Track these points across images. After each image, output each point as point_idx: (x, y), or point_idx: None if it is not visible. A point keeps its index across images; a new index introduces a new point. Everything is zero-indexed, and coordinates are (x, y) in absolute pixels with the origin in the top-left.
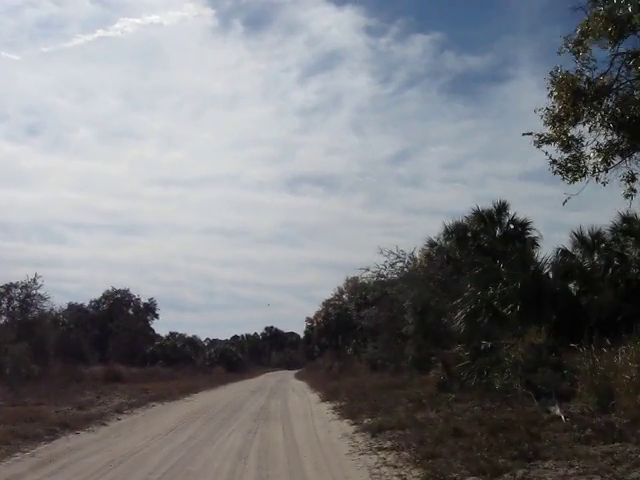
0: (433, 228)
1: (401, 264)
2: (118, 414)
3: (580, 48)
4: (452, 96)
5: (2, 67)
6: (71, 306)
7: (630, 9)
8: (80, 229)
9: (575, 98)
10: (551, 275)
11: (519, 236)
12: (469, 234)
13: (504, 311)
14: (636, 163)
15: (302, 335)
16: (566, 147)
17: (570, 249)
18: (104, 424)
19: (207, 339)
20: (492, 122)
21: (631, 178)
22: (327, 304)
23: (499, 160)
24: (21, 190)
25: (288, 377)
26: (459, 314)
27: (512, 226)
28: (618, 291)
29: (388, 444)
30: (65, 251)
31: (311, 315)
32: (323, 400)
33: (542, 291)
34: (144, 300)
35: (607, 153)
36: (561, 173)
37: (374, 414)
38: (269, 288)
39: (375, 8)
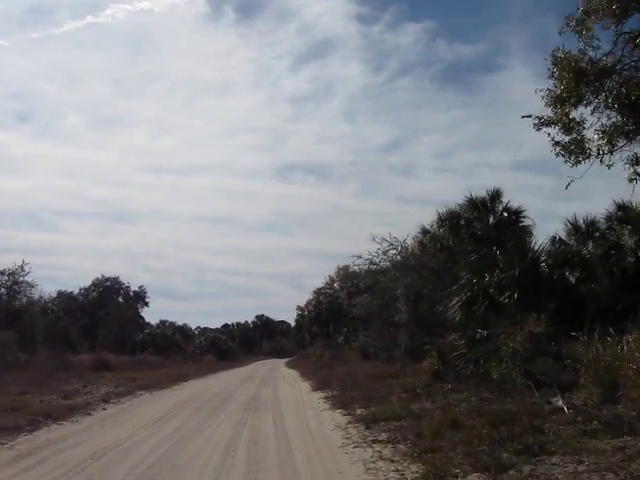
0: (424, 217)
1: (394, 251)
2: (104, 403)
3: (582, 27)
4: (444, 85)
5: None
6: (60, 294)
7: None
8: (70, 216)
9: (577, 79)
10: (549, 262)
11: (512, 224)
12: (462, 222)
13: (501, 299)
14: None
15: (293, 324)
16: (567, 129)
17: (564, 238)
18: (89, 414)
19: (198, 327)
20: (484, 111)
21: (635, 161)
22: (318, 292)
23: (490, 150)
24: (10, 177)
25: (279, 366)
26: (454, 301)
27: (506, 214)
28: (614, 279)
29: (383, 436)
30: (55, 239)
31: (302, 304)
32: (314, 389)
33: (540, 279)
34: (134, 288)
35: (611, 135)
36: (563, 155)
37: (367, 404)
38: (260, 276)
39: None
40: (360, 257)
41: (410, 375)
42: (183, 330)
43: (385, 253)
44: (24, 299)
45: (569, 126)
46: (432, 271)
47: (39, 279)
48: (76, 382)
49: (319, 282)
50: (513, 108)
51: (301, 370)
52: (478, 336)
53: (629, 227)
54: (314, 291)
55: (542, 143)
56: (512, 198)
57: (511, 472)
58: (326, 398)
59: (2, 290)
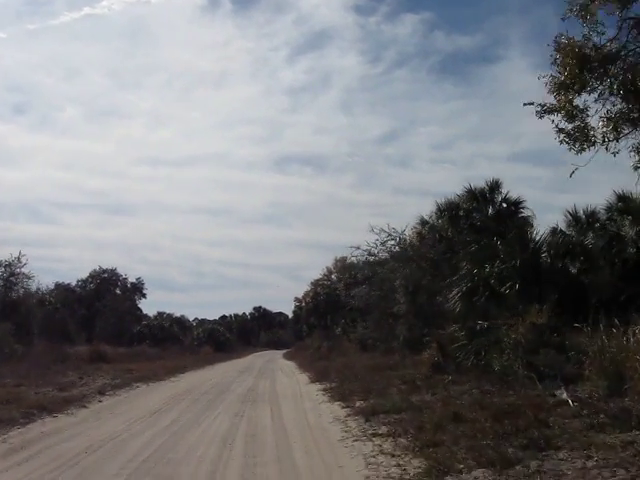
0: (422, 209)
1: (392, 242)
2: (100, 396)
3: (586, 12)
4: (441, 76)
5: None
6: (58, 285)
7: None
8: (67, 208)
9: (581, 65)
10: (551, 253)
11: (512, 215)
12: (461, 212)
13: (502, 290)
14: None
15: (290, 315)
16: (571, 117)
17: (564, 229)
18: (84, 406)
19: (195, 319)
20: (481, 103)
21: None
22: (316, 284)
23: (488, 141)
24: (8, 169)
25: (276, 357)
26: (454, 292)
27: (505, 205)
28: (615, 270)
29: (383, 429)
30: (53, 230)
31: (299, 295)
32: (312, 381)
33: (541, 269)
34: (131, 280)
35: (617, 122)
36: (568, 142)
37: (366, 396)
38: (257, 268)
39: None
40: (358, 248)
41: (409, 367)
42: (181, 322)
43: (383, 244)
44: (21, 291)
45: (572, 113)
46: (431, 262)
47: (37, 271)
48: (72, 374)
49: (316, 274)
50: (512, 99)
51: (299, 362)
52: (479, 327)
53: (630, 218)
54: (311, 282)
55: (540, 133)
56: (510, 189)
57: (517, 468)
58: (324, 390)
59: None
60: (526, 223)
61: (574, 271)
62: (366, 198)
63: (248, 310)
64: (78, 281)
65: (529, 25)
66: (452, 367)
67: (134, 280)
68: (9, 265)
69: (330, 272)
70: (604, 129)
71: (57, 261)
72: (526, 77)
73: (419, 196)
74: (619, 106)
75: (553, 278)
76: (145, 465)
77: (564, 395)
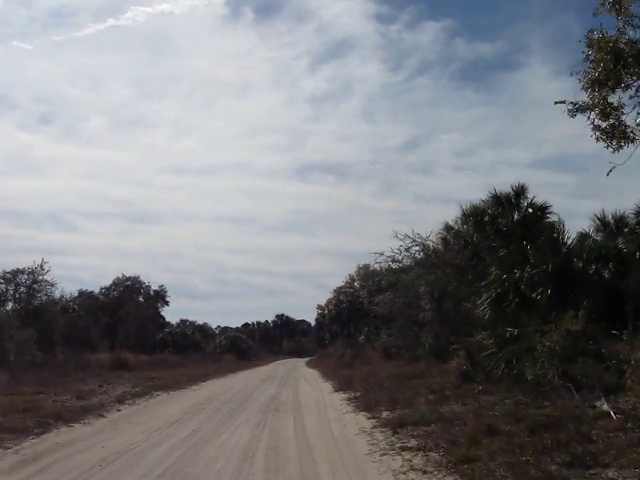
0: (444, 216)
1: (417, 248)
2: (119, 404)
3: (619, 7)
4: (463, 83)
5: (14, 56)
6: (81, 293)
7: None
8: (92, 217)
9: (615, 60)
10: (583, 257)
11: (538, 220)
12: (487, 218)
13: (533, 295)
14: None
15: (313, 323)
16: (605, 115)
17: (592, 234)
18: (102, 415)
19: (218, 327)
20: (503, 110)
21: None
22: (338, 292)
23: (509, 147)
24: (34, 179)
25: (299, 365)
26: (483, 298)
27: (530, 210)
28: None
29: (413, 443)
30: (77, 239)
31: (322, 303)
32: (336, 390)
33: (573, 274)
34: (154, 287)
35: None
36: (604, 140)
37: (393, 406)
38: (280, 276)
39: None
40: (382, 254)
41: (436, 375)
42: (203, 329)
43: (408, 250)
44: (44, 298)
45: (606, 111)
46: (456, 268)
47: (62, 279)
48: (92, 382)
49: (339, 281)
50: (533, 106)
51: (322, 370)
52: (509, 335)
53: None
54: (334, 290)
55: (562, 139)
56: (535, 195)
57: None
58: (349, 399)
59: (22, 289)
60: (553, 228)
61: (607, 276)
62: (388, 205)
63: (271, 318)
64: (101, 288)
65: (550, 32)
66: (482, 376)
67: (157, 288)
68: (32, 272)
69: (353, 279)
70: None
71: (82, 269)
72: (547, 84)
73: (441, 203)
74: None
75: (586, 283)
76: None
77: (605, 406)
